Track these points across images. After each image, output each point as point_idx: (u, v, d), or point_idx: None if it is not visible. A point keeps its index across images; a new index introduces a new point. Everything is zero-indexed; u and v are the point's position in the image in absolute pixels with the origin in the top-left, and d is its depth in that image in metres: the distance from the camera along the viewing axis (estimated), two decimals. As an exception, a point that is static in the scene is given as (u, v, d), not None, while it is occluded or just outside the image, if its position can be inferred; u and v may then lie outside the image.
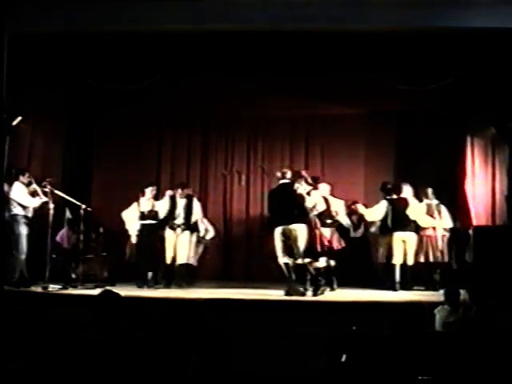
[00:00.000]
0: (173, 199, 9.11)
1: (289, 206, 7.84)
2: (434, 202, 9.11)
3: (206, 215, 10.41)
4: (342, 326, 5.02)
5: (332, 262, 8.57)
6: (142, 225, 9.01)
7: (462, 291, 6.23)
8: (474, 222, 9.03)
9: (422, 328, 4.67)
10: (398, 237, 8.94)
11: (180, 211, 9.04)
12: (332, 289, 8.51)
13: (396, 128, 10.70)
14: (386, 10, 7.34)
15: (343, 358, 4.19)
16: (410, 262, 8.89)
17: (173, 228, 8.98)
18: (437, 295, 7.37)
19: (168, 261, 8.98)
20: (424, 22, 7.41)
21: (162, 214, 9.01)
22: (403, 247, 8.93)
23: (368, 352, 4.23)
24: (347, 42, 7.78)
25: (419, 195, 9.22)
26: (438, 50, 7.81)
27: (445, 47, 7.77)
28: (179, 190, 9.17)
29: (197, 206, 9.29)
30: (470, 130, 9.62)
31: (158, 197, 9.30)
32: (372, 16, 7.40)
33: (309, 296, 7.68)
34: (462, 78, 8.11)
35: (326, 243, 8.28)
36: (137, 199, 9.06)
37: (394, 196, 9.02)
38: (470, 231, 7.94)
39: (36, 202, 8.23)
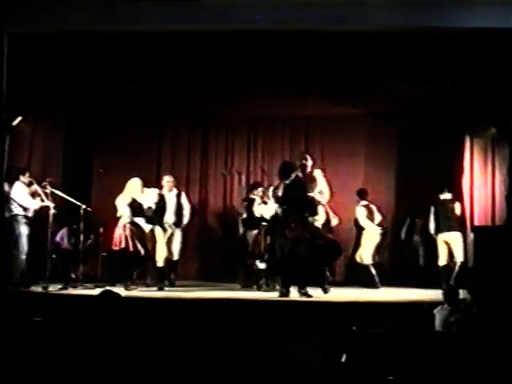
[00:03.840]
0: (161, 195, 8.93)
1: None
2: None
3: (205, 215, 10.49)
4: (342, 326, 5.03)
5: None
6: None
7: (461, 291, 6.24)
8: (474, 222, 9.04)
9: (422, 328, 4.67)
10: (442, 238, 9.06)
11: (171, 208, 8.90)
12: None
13: (396, 128, 10.69)
14: (386, 10, 7.34)
15: (343, 358, 4.19)
16: (459, 260, 8.96)
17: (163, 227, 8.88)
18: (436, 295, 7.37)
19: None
20: (424, 22, 7.41)
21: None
22: (447, 248, 9.04)
23: (368, 352, 4.23)
24: (347, 42, 7.77)
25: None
26: (438, 50, 7.80)
27: (445, 47, 7.77)
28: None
29: (185, 202, 9.17)
30: (470, 129, 9.61)
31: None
32: (372, 16, 7.40)
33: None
34: (461, 78, 8.11)
35: None
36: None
37: (443, 197, 9.18)
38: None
39: (36, 204, 8.23)
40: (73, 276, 8.62)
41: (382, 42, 7.74)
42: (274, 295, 7.75)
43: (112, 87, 8.42)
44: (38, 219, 8.42)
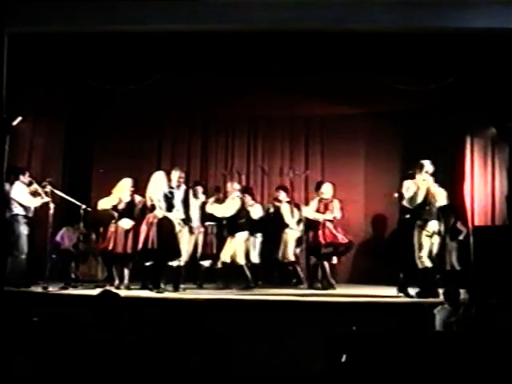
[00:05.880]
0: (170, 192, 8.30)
1: None
2: None
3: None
4: (342, 326, 5.03)
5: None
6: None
7: (461, 291, 6.24)
8: (474, 222, 9.04)
9: (422, 328, 4.67)
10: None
11: (179, 204, 8.38)
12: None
13: (396, 128, 10.68)
14: (386, 10, 7.34)
15: (343, 358, 4.19)
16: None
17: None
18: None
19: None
20: (424, 22, 7.41)
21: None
22: None
23: (368, 352, 4.23)
24: (347, 42, 7.78)
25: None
26: (439, 50, 7.81)
27: (445, 47, 7.77)
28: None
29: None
30: (470, 130, 9.61)
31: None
32: (372, 16, 7.39)
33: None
34: (462, 78, 8.11)
35: None
36: None
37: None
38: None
39: (37, 201, 8.24)
40: (73, 276, 8.63)
41: (383, 41, 7.74)
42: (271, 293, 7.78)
43: (112, 87, 8.42)
44: (38, 219, 8.42)
